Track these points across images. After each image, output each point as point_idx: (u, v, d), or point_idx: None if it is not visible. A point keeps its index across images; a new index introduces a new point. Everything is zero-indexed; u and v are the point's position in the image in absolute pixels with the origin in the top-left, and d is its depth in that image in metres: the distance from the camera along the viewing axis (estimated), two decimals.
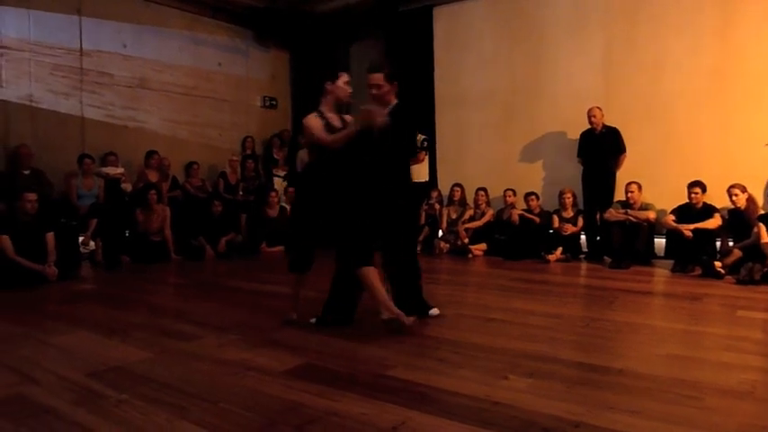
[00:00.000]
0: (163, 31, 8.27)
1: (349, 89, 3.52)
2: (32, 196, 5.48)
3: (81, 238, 6.43)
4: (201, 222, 7.30)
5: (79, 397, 2.43)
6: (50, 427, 2.14)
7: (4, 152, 6.64)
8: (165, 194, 7.36)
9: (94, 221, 6.48)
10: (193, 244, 7.13)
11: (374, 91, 3.56)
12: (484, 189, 7.43)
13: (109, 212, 6.64)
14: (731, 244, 5.66)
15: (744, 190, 5.73)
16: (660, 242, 6.27)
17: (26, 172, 6.42)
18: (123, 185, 7.07)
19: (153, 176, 7.41)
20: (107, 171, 7.01)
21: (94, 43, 7.55)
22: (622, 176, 6.62)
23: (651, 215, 6.18)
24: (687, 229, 5.73)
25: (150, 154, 7.51)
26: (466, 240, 7.16)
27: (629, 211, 6.24)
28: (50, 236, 5.49)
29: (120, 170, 7.09)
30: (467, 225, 7.31)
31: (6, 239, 5.23)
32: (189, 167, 7.96)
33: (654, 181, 6.47)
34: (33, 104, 6.99)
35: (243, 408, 2.29)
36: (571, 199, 6.81)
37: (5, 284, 4.75)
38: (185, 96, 8.57)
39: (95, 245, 6.52)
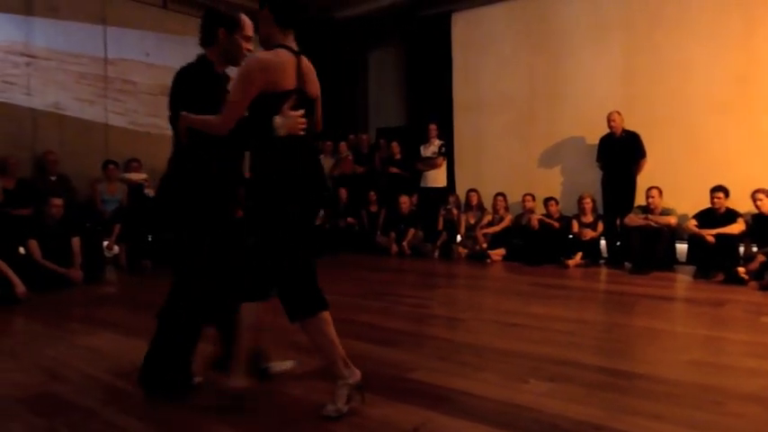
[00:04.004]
0: (185, 40, 8.40)
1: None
2: (59, 201, 5.60)
3: (105, 243, 6.54)
4: None
5: (108, 395, 2.49)
6: (82, 424, 2.20)
7: (32, 158, 6.79)
8: None
9: (118, 226, 6.59)
10: None
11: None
12: (503, 194, 7.42)
13: (132, 217, 6.74)
14: (755, 249, 5.58)
15: None
16: (682, 248, 6.21)
17: (53, 178, 6.57)
18: (146, 191, 7.18)
19: None
20: (130, 177, 7.13)
21: (118, 52, 7.70)
22: (643, 181, 6.57)
23: (672, 220, 6.13)
24: (710, 234, 5.67)
25: None
26: (484, 245, 7.15)
27: (649, 216, 6.19)
28: (76, 240, 5.59)
29: (143, 176, 7.21)
30: (485, 230, 7.30)
31: (34, 243, 5.35)
32: None
33: (675, 186, 6.42)
34: (59, 112, 7.14)
35: (259, 404, 2.34)
36: (591, 204, 6.78)
37: (33, 287, 4.85)
38: None
39: (119, 249, 6.64)
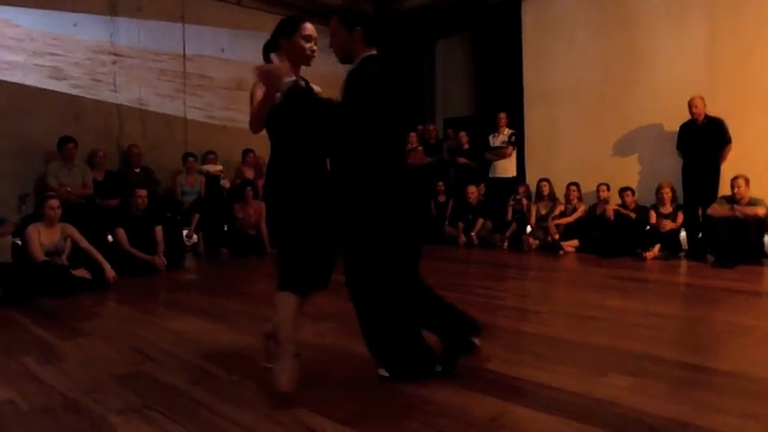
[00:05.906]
0: (258, 35, 8.60)
1: (308, 46, 2.59)
2: (143, 192, 5.91)
3: (185, 232, 6.85)
4: None
5: (195, 376, 2.62)
6: (171, 401, 2.33)
7: (118, 152, 7.19)
8: (260, 191, 7.69)
9: (197, 216, 6.88)
10: None
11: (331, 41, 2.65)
12: (576, 184, 7.22)
13: (209, 208, 7.02)
14: None
15: None
16: None
17: (137, 170, 6.93)
18: (222, 182, 7.46)
19: (249, 173, 7.76)
20: (208, 169, 7.42)
21: (196, 48, 8.01)
22: (727, 170, 6.23)
23: (761, 211, 5.78)
24: None
25: (247, 152, 7.86)
26: (557, 236, 6.99)
27: (735, 206, 5.87)
28: (159, 229, 5.88)
29: (219, 168, 7.49)
30: (557, 221, 7.13)
31: (121, 231, 5.68)
32: None
33: (763, 175, 6.05)
34: (142, 107, 7.51)
35: (338, 388, 2.40)
36: (670, 194, 6.48)
37: (121, 272, 5.15)
38: None
39: (197, 238, 6.94)
